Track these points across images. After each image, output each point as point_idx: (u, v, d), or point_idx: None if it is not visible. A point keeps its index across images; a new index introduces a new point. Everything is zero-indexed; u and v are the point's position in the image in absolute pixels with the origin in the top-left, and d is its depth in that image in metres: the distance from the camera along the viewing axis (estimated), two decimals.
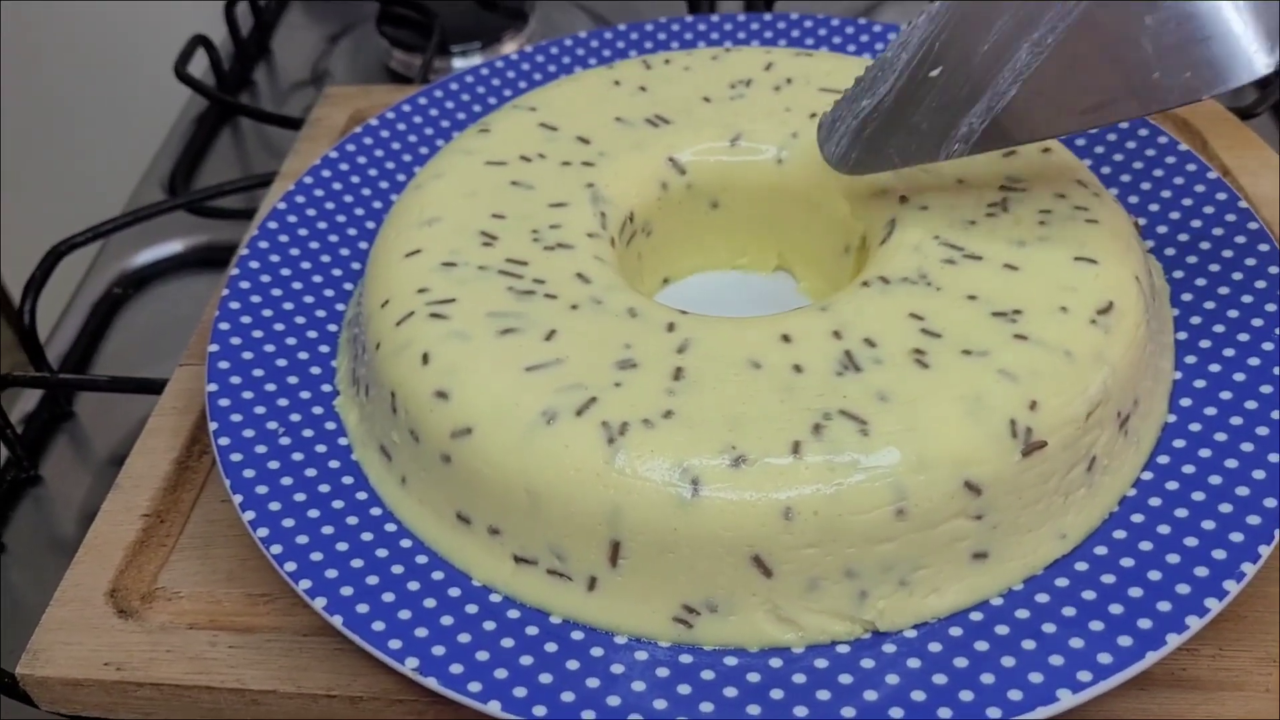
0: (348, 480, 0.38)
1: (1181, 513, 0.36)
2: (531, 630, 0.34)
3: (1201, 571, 0.34)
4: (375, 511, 0.38)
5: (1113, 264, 0.39)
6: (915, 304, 0.38)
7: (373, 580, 0.35)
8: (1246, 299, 0.41)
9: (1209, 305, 0.41)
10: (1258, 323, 0.40)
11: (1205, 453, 0.37)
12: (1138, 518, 0.36)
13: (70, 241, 0.55)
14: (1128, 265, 0.39)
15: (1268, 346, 0.40)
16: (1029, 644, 0.33)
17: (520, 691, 0.32)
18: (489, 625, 0.34)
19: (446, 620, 0.34)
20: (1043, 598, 0.34)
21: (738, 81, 0.47)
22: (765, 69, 0.48)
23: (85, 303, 0.59)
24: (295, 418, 0.40)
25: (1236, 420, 0.38)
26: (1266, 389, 0.38)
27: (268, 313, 0.43)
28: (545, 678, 0.33)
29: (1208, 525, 0.35)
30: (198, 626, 0.38)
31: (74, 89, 0.95)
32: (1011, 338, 0.36)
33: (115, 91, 0.93)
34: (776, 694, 0.32)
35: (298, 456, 0.39)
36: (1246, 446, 0.37)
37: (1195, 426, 0.38)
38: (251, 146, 0.69)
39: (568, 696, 0.32)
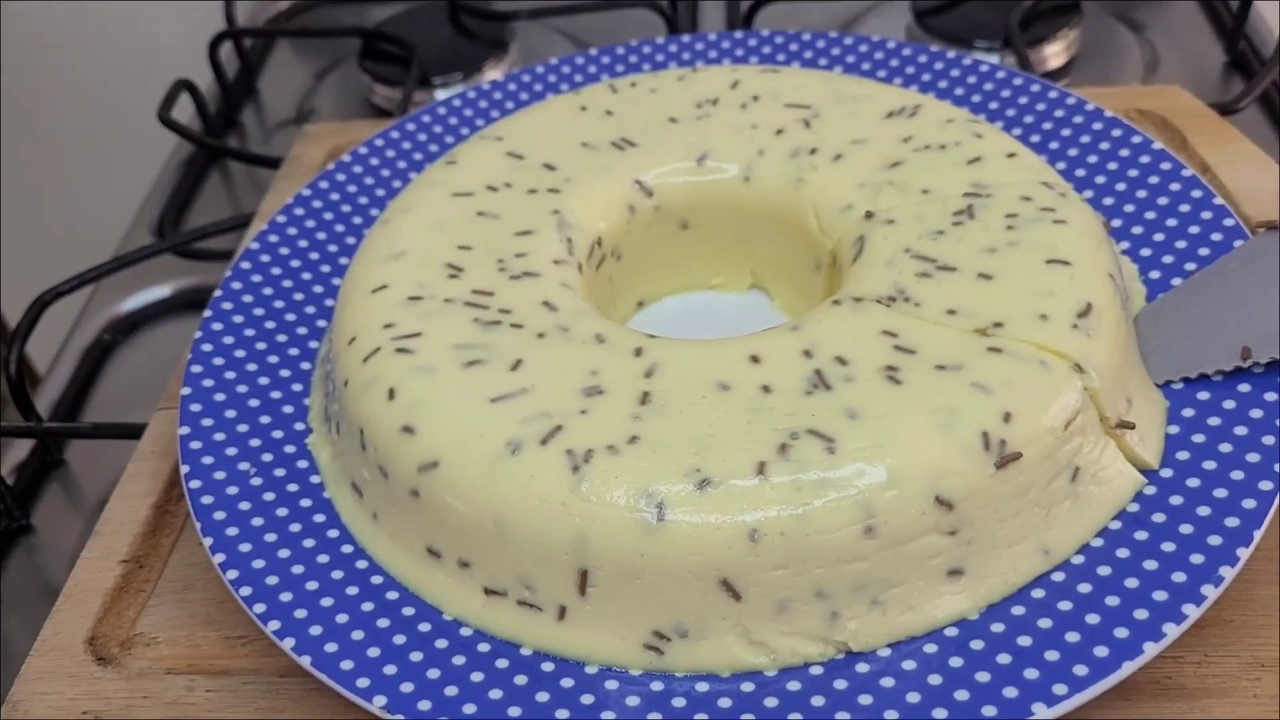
0: (319, 519, 0.38)
1: (1159, 518, 0.35)
2: (501, 663, 0.34)
3: (1179, 577, 0.33)
4: (347, 549, 0.37)
5: (1085, 264, 0.38)
6: (890, 321, 0.37)
7: (342, 619, 0.35)
8: None
9: None
10: None
11: (1182, 455, 0.36)
12: (1115, 524, 0.35)
13: (55, 290, 0.55)
14: (1099, 264, 0.39)
15: None
16: (1004, 658, 0.32)
17: None
18: (458, 660, 0.34)
19: (416, 656, 0.34)
20: (1019, 610, 0.34)
21: (704, 101, 0.47)
22: (732, 87, 0.48)
23: (76, 349, 0.59)
24: (267, 457, 0.40)
25: (1214, 421, 0.37)
26: (1244, 387, 0.38)
27: (240, 353, 0.43)
28: (514, 711, 0.32)
29: (1185, 530, 0.34)
30: (175, 671, 0.37)
31: (64, 137, 0.95)
32: (986, 350, 0.36)
33: (107, 138, 0.94)
34: (747, 719, 0.32)
35: (269, 496, 0.39)
36: (1224, 448, 0.36)
37: (1172, 429, 0.37)
38: (241, 188, 0.69)
39: None
